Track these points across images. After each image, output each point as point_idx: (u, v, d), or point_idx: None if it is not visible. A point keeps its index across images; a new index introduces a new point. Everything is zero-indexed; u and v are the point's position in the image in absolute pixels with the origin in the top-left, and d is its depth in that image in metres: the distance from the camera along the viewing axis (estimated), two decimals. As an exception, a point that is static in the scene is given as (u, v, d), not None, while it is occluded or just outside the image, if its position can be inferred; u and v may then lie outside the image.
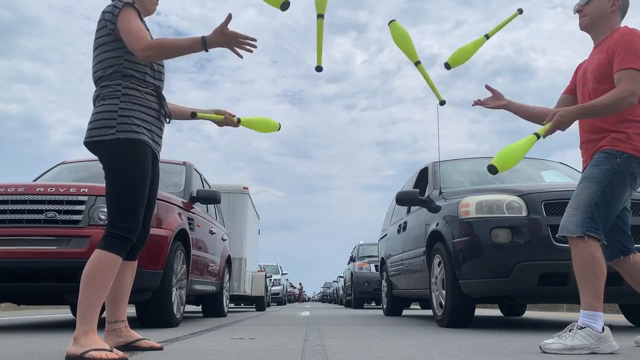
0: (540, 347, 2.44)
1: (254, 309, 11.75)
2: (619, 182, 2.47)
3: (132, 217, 2.28)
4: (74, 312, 6.80)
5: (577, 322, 2.43)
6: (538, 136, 2.51)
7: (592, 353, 2.36)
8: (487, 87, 2.90)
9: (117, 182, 2.27)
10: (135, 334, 2.57)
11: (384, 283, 7.43)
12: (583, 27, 2.76)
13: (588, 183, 2.49)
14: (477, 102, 2.90)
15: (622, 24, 2.71)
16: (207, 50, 2.23)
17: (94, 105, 2.36)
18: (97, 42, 2.37)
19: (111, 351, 2.12)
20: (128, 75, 2.35)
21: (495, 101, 2.89)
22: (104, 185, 2.37)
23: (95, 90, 2.37)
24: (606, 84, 2.55)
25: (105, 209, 3.17)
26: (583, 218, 2.43)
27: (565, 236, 2.49)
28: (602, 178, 2.47)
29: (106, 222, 2.36)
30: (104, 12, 2.35)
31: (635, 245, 2.72)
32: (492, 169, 2.41)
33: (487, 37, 2.75)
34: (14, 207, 3.82)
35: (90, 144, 2.31)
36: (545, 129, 2.51)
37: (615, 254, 2.66)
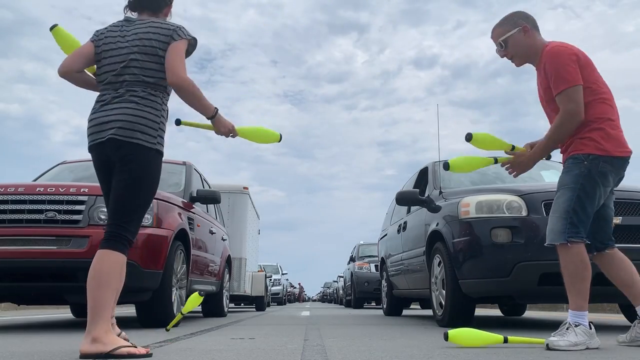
0: (547, 344, 2.52)
1: (254, 309, 11.74)
2: (591, 184, 2.58)
3: (140, 223, 2.38)
4: (74, 312, 6.80)
5: (568, 321, 2.57)
6: (495, 161, 2.88)
7: (586, 348, 2.53)
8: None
9: (141, 189, 2.33)
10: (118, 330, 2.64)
11: (384, 283, 7.43)
12: (520, 65, 2.88)
13: (563, 190, 2.62)
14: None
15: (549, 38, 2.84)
16: (208, 118, 2.51)
17: (126, 102, 2.36)
18: (150, 49, 2.42)
19: (135, 347, 2.20)
20: (167, 93, 2.50)
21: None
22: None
23: (131, 89, 2.39)
24: (556, 104, 2.70)
25: (106, 209, 2.90)
26: (564, 225, 2.57)
27: (553, 245, 2.62)
28: (575, 183, 2.59)
29: (106, 222, 2.38)
30: (173, 29, 2.45)
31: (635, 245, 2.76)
32: (446, 165, 2.86)
33: (496, 161, 2.91)
34: (14, 207, 3.82)
35: (122, 143, 2.30)
36: (504, 159, 2.84)
37: (589, 250, 2.72)
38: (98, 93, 2.45)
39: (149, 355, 2.21)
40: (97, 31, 2.56)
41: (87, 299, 2.21)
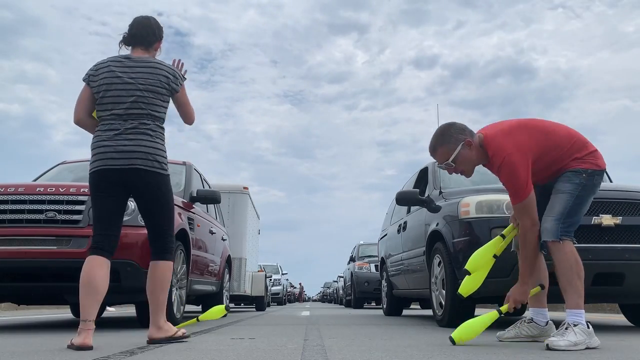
0: (547, 344, 2.52)
1: (254, 309, 11.75)
2: (586, 193, 2.76)
3: None
4: (74, 312, 6.80)
5: (567, 321, 2.59)
6: (500, 313, 2.88)
7: (586, 348, 2.54)
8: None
9: (170, 209, 2.92)
10: None
11: (384, 283, 7.43)
12: (471, 175, 2.97)
13: (562, 195, 2.75)
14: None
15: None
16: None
17: (141, 134, 2.78)
18: (155, 88, 2.83)
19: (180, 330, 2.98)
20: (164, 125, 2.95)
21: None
22: None
23: (142, 122, 2.80)
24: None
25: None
26: (557, 225, 2.69)
27: (546, 241, 2.70)
28: (573, 190, 2.74)
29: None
30: (169, 72, 2.88)
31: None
32: (452, 340, 2.78)
33: (500, 313, 2.90)
34: (14, 207, 3.82)
35: (146, 171, 2.76)
36: (506, 308, 2.89)
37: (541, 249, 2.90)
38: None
39: (186, 336, 3.01)
40: (90, 70, 2.89)
41: (148, 298, 2.88)
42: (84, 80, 2.89)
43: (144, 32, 2.94)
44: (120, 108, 2.78)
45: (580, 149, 2.81)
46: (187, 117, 3.02)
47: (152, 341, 2.82)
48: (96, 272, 2.69)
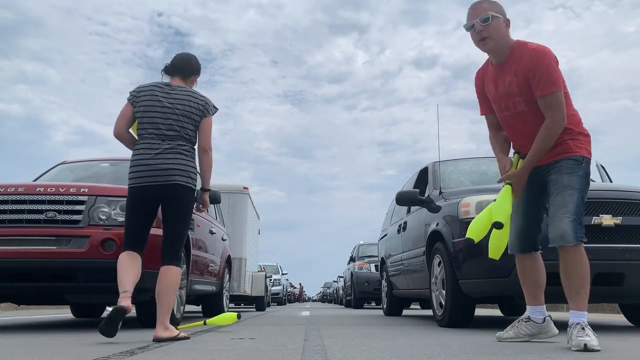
0: (585, 345, 2.42)
1: (254, 309, 11.74)
2: (588, 186, 2.70)
3: None
4: (74, 312, 6.80)
5: (580, 323, 2.54)
6: (500, 225, 2.68)
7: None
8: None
9: (189, 220, 3.27)
10: None
11: (384, 283, 7.43)
12: (488, 50, 2.81)
13: (571, 191, 2.63)
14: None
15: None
16: (202, 189, 3.46)
17: (178, 154, 3.17)
18: (189, 113, 3.22)
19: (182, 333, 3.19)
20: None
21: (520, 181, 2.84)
22: (106, 186, 3.61)
23: (178, 143, 3.18)
24: (537, 104, 2.71)
25: (106, 209, 3.89)
26: (575, 225, 2.58)
27: (565, 246, 2.59)
28: (580, 184, 2.64)
29: (106, 222, 3.57)
30: (205, 101, 3.30)
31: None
32: (471, 240, 2.78)
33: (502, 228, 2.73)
34: (14, 207, 3.82)
35: (184, 187, 3.14)
36: (506, 218, 2.71)
37: (528, 249, 2.91)
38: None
39: (187, 338, 3.20)
40: (134, 92, 3.26)
41: (157, 300, 3.12)
42: (128, 99, 3.26)
43: (183, 65, 3.38)
44: (158, 129, 3.16)
45: (579, 124, 2.75)
46: (203, 140, 3.30)
47: (157, 340, 3.02)
48: (126, 258, 3.14)
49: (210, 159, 3.30)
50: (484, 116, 3.06)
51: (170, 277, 3.12)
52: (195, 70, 3.43)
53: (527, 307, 2.95)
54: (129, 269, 3.13)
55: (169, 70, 3.37)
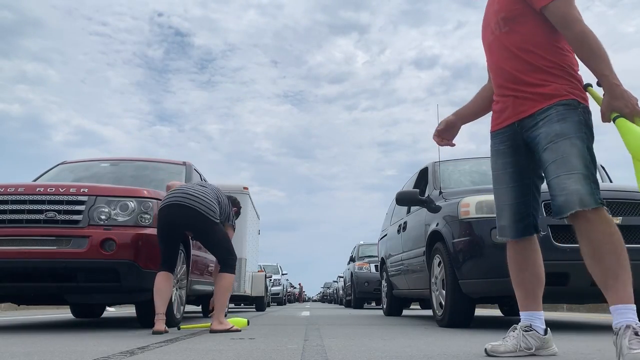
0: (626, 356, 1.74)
1: (254, 309, 11.74)
2: (592, 137, 2.03)
3: None
4: (74, 312, 6.80)
5: (630, 325, 1.79)
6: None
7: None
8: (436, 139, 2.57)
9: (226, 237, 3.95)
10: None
11: (384, 283, 7.43)
12: None
13: (568, 141, 1.96)
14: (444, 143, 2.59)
15: None
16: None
17: (211, 194, 3.90)
18: (219, 201, 3.97)
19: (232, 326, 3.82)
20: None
21: (451, 131, 2.55)
22: (106, 186, 4.06)
23: (210, 186, 3.99)
24: (521, 24, 2.13)
25: (106, 210, 3.95)
26: (588, 184, 1.91)
27: (582, 211, 1.89)
28: (579, 131, 1.98)
29: (106, 222, 3.85)
30: (228, 206, 4.09)
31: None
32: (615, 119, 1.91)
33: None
34: (14, 207, 3.82)
35: (206, 218, 3.75)
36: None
37: (528, 230, 2.23)
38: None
39: (239, 331, 3.83)
40: None
41: (215, 297, 3.80)
42: None
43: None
44: None
45: (572, 66, 2.10)
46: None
47: (213, 332, 3.69)
48: (162, 280, 3.71)
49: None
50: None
51: (222, 282, 3.81)
52: (233, 203, 4.28)
53: (524, 313, 2.28)
54: (163, 290, 3.70)
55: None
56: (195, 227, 3.77)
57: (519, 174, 2.24)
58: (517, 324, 2.29)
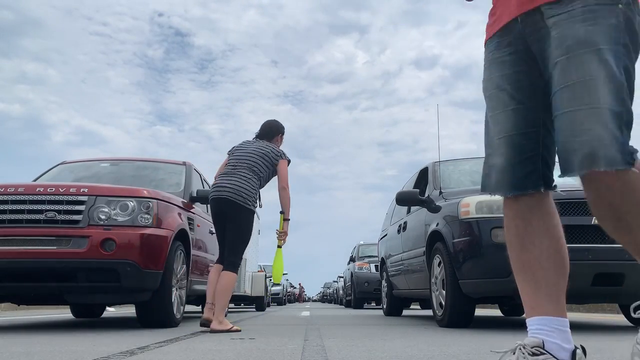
0: None
1: (254, 309, 11.74)
2: (637, 49, 1.31)
3: None
4: (74, 312, 6.80)
5: None
6: None
7: None
8: None
9: (244, 235, 4.08)
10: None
11: (384, 283, 7.43)
12: None
13: (596, 55, 1.25)
14: None
15: None
16: (284, 219, 4.33)
17: (248, 178, 4.07)
18: (264, 154, 4.18)
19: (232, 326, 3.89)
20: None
21: None
22: (106, 186, 4.08)
23: (253, 172, 4.11)
24: None
25: (106, 210, 3.94)
26: (618, 128, 1.22)
27: (599, 172, 1.22)
28: (615, 41, 1.26)
29: (106, 222, 3.85)
30: (275, 150, 4.25)
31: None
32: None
33: None
34: (14, 207, 3.82)
35: (239, 206, 3.97)
36: None
37: (533, 180, 1.45)
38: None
39: (239, 330, 3.90)
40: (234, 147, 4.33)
41: (215, 298, 3.85)
42: (228, 152, 4.37)
43: (265, 132, 4.39)
44: (234, 164, 4.18)
45: None
46: (281, 180, 4.18)
47: (213, 332, 3.75)
48: (212, 272, 4.07)
49: (288, 194, 4.16)
50: None
51: (225, 281, 3.89)
52: (276, 132, 4.42)
53: (533, 320, 1.39)
54: (214, 282, 3.99)
55: (258, 136, 4.40)
56: (229, 214, 3.99)
57: (524, 91, 1.44)
58: (523, 340, 1.39)
